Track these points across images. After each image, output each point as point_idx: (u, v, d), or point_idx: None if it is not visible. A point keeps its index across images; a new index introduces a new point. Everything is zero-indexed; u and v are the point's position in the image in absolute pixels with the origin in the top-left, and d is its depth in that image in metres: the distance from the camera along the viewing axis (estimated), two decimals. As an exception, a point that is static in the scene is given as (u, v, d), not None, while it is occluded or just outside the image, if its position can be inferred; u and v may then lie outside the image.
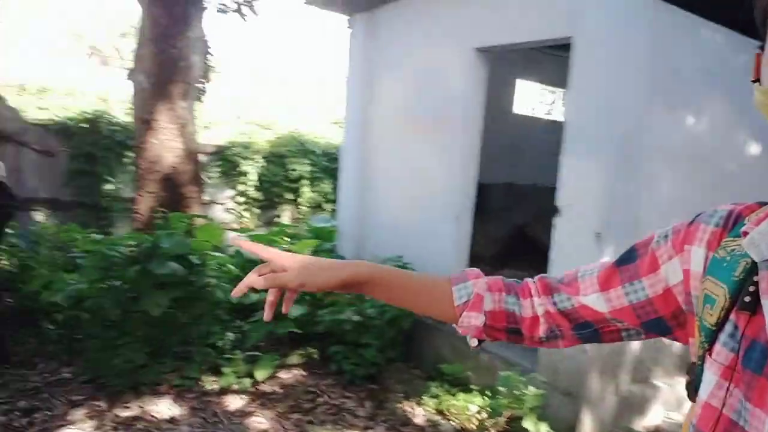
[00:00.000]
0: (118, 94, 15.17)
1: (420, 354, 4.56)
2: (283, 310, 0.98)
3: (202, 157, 8.31)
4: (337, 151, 9.84)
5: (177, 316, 4.26)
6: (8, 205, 3.96)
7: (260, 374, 4.13)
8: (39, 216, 7.20)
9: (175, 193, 5.07)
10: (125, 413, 3.55)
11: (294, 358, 4.48)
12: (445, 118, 4.54)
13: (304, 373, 4.39)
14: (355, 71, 5.45)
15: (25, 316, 4.72)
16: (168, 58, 4.90)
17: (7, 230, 5.63)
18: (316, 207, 9.84)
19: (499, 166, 6.67)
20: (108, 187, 7.56)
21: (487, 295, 0.91)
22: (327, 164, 9.76)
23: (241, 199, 9.04)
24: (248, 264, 5.23)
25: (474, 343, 0.94)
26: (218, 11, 5.96)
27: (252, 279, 0.92)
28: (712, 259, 0.69)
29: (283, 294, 0.96)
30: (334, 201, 9.90)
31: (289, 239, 6.21)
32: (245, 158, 8.92)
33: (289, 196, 9.48)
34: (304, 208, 9.61)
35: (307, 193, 9.55)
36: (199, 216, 4.80)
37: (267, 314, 0.96)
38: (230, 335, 4.42)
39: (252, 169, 8.98)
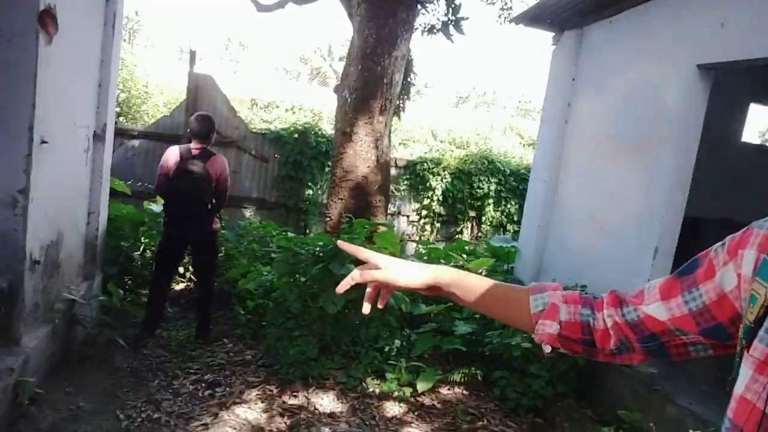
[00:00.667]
0: (328, 110, 16.63)
1: (594, 394, 4.12)
2: (379, 304, 1.07)
3: (393, 170, 8.66)
4: (526, 172, 9.59)
5: (350, 317, 4.44)
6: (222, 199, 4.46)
7: (422, 386, 4.09)
8: (248, 212, 8.12)
9: (363, 200, 5.32)
10: (292, 401, 3.75)
11: (457, 376, 4.36)
12: (652, 142, 4.07)
13: (465, 392, 4.25)
14: (555, 90, 5.21)
15: (223, 300, 5.32)
16: (372, 75, 5.18)
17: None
18: (499, 226, 9.62)
19: (717, 199, 5.83)
20: (309, 192, 8.25)
21: (562, 306, 0.93)
22: (515, 184, 9.50)
23: (425, 213, 9.20)
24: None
25: (548, 349, 0.95)
26: (425, 31, 6.15)
27: (353, 275, 1.03)
28: (762, 261, 0.70)
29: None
30: (517, 222, 9.60)
31: (465, 255, 6.13)
32: (433, 174, 9.06)
33: (473, 213, 9.41)
34: (486, 226, 9.46)
35: (490, 212, 9.39)
36: (380, 224, 4.96)
37: (365, 307, 1.06)
38: (397, 342, 4.46)
39: (439, 185, 9.09)
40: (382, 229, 4.84)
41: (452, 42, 6.03)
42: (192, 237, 4.42)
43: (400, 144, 13.77)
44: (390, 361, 4.27)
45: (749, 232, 0.75)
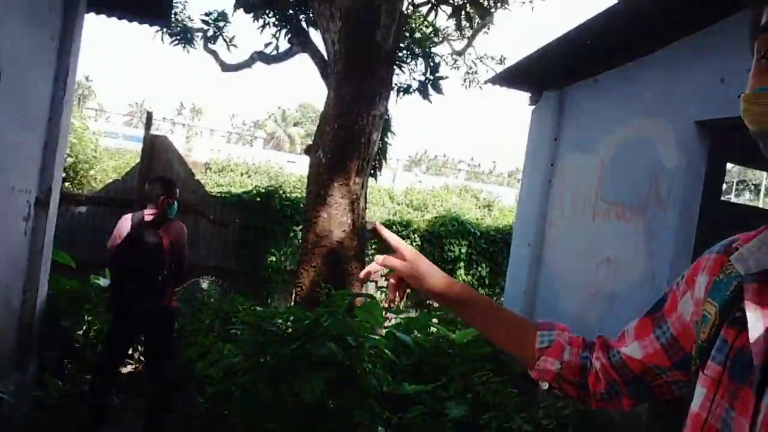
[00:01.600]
0: (285, 174, 16.33)
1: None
2: (397, 298, 1.07)
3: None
4: (496, 234, 9.40)
5: (327, 402, 3.93)
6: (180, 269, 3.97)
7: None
8: (205, 284, 7.52)
9: (338, 268, 4.90)
10: None
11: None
12: (650, 201, 3.87)
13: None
14: (536, 150, 5.06)
15: (180, 386, 4.69)
16: (349, 134, 4.90)
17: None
18: (471, 292, 9.30)
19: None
20: (272, 258, 7.74)
21: (567, 347, 0.95)
22: (485, 246, 9.28)
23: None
24: (402, 348, 4.84)
25: (545, 386, 0.96)
26: (401, 91, 5.97)
27: (376, 258, 1.03)
28: (713, 282, 0.72)
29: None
30: (490, 286, 9.31)
31: (442, 325, 5.73)
32: (403, 237, 8.74)
33: (444, 278, 9.07)
34: (457, 291, 9.12)
35: (461, 275, 9.08)
36: (363, 294, 4.53)
37: (389, 298, 1.08)
38: (381, 429, 3.95)
39: (408, 249, 8.75)
40: (360, 300, 4.40)
41: (430, 102, 5.88)
42: (143, 315, 3.86)
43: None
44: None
45: (702, 258, 0.78)
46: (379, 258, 1.03)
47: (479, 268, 9.18)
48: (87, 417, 3.80)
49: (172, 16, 6.51)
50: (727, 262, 0.71)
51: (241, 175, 15.96)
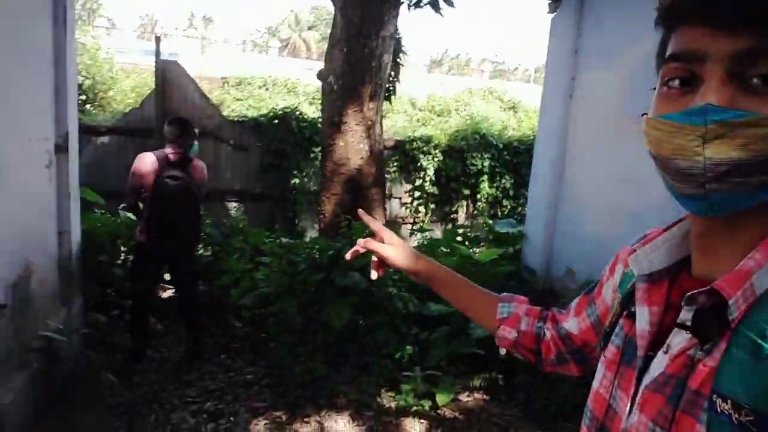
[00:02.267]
0: (303, 84, 15.97)
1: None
2: (379, 273, 1.22)
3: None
4: (520, 145, 9.24)
5: (357, 325, 4.12)
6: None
7: (441, 398, 3.79)
8: (233, 206, 7.68)
9: (358, 194, 4.93)
10: (304, 429, 3.44)
11: (476, 381, 4.08)
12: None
13: (486, 398, 3.98)
14: (555, 63, 4.82)
15: (216, 309, 4.94)
16: (359, 59, 4.73)
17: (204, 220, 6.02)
18: (494, 203, 9.30)
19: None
20: (295, 181, 7.81)
21: (524, 318, 1.08)
22: (508, 158, 9.16)
23: (418, 194, 8.83)
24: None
25: (503, 352, 1.10)
26: (412, 5, 5.68)
27: (358, 241, 1.19)
28: (623, 274, 0.83)
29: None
30: (514, 197, 9.29)
31: (468, 243, 5.81)
32: (424, 153, 8.67)
33: (467, 191, 9.06)
34: (481, 204, 9.14)
35: (485, 188, 9.06)
36: (383, 224, 4.59)
37: (372, 274, 1.22)
38: (409, 348, 4.16)
39: (430, 164, 8.70)
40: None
41: (441, 15, 5.58)
42: (180, 248, 4.02)
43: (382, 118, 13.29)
44: (404, 373, 3.96)
45: (623, 249, 0.85)
46: (361, 241, 1.18)
47: (503, 180, 9.12)
48: (130, 344, 4.09)
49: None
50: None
51: (259, 87, 15.70)
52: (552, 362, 1.04)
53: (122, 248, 5.22)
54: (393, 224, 7.86)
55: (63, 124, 3.88)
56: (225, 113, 9.48)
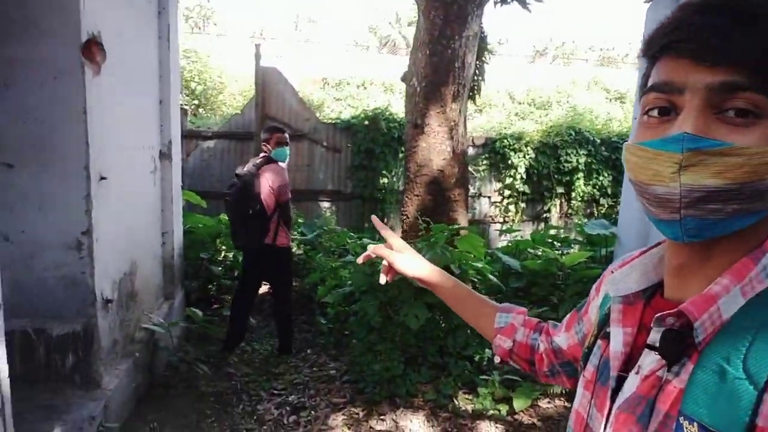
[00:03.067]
0: (399, 83, 16.11)
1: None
2: (388, 278, 1.26)
3: (470, 150, 8.16)
4: (619, 140, 8.74)
5: (435, 325, 4.15)
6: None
7: (519, 404, 3.74)
8: (325, 205, 7.97)
9: (441, 196, 4.95)
10: (380, 426, 3.53)
11: (557, 387, 3.97)
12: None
13: (567, 404, 3.86)
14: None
15: (305, 305, 5.18)
16: (442, 59, 4.74)
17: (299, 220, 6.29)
18: (591, 201, 8.88)
19: None
20: (384, 180, 7.95)
21: (520, 329, 1.11)
22: (606, 154, 8.71)
23: (508, 193, 8.64)
24: (507, 270, 4.88)
25: (497, 360, 1.15)
26: (498, 2, 5.58)
27: (369, 247, 1.25)
28: (604, 296, 0.85)
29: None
30: (611, 195, 8.83)
31: (558, 244, 5.63)
32: (515, 150, 8.46)
33: (561, 189, 8.72)
34: (576, 202, 8.76)
35: (580, 186, 8.68)
36: (461, 228, 4.57)
37: (381, 278, 1.26)
38: (488, 351, 4.12)
39: (521, 162, 8.48)
40: (463, 232, 4.45)
41: (529, 11, 5.42)
42: (254, 254, 4.27)
43: (475, 111, 13.07)
44: (482, 376, 3.94)
45: (608, 270, 0.83)
46: (371, 247, 1.24)
47: (600, 178, 8.69)
48: (226, 338, 4.40)
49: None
50: None
51: (357, 87, 16.07)
52: (545, 373, 1.07)
53: (223, 247, 5.62)
54: (478, 225, 7.77)
55: (167, 133, 4.25)
56: (324, 114, 9.85)
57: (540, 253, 5.14)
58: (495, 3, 5.24)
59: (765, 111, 0.58)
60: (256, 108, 7.64)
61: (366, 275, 4.15)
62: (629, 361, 0.71)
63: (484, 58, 5.63)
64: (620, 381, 0.70)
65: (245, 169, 4.22)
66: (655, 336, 0.65)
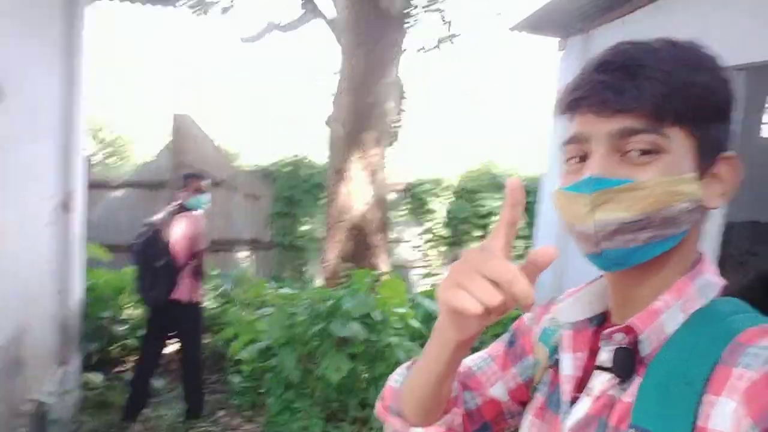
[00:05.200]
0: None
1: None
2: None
3: (390, 196, 8.23)
4: (533, 184, 9.13)
5: (356, 377, 4.01)
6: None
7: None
8: (243, 255, 7.70)
9: (362, 242, 4.90)
10: (300, 491, 3.30)
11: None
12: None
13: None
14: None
15: (217, 362, 4.87)
16: (363, 105, 4.79)
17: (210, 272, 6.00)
18: (508, 244, 9.12)
19: (742, 201, 5.42)
20: (304, 228, 7.81)
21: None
22: (521, 199, 9.05)
23: (428, 237, 8.74)
24: (430, 317, 4.85)
25: None
26: (418, 51, 5.77)
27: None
28: (542, 330, 0.86)
29: None
30: (525, 237, 9.13)
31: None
32: (434, 195, 8.62)
33: (479, 233, 8.94)
34: (494, 246, 8.98)
35: (497, 230, 8.93)
36: (383, 273, 4.53)
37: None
38: (413, 402, 4.02)
39: (440, 206, 8.64)
40: (385, 277, 4.40)
41: (446, 56, 5.63)
42: (163, 311, 3.98)
43: (396, 157, 13.27)
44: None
45: (546, 303, 0.88)
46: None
47: (515, 220, 9.01)
48: (128, 404, 4.02)
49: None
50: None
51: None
52: None
53: (124, 306, 5.23)
54: (399, 270, 7.76)
55: (68, 182, 3.96)
56: (241, 161, 9.62)
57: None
58: (417, 50, 5.40)
59: (662, 148, 0.65)
60: (170, 155, 7.35)
61: (284, 327, 3.98)
62: (581, 386, 0.73)
63: (401, 105, 5.75)
64: (574, 405, 0.72)
65: (157, 217, 3.99)
66: (604, 356, 0.70)
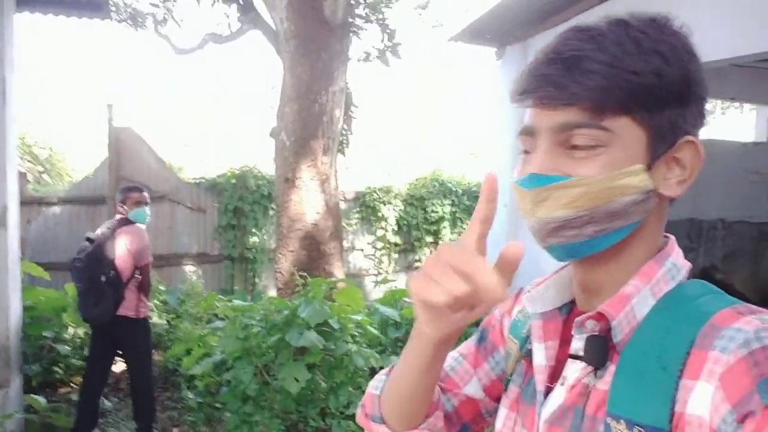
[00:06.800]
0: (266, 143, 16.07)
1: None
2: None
3: (342, 205, 8.20)
4: (479, 190, 9.32)
5: (315, 386, 3.95)
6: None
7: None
8: (190, 269, 7.49)
9: (315, 250, 4.85)
10: (262, 505, 3.21)
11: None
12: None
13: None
14: (502, 111, 4.93)
15: (169, 379, 4.70)
16: (310, 114, 4.76)
17: (160, 287, 5.81)
18: (459, 249, 9.27)
19: (679, 199, 5.69)
20: (254, 239, 7.68)
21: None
22: (468, 203, 9.22)
23: (380, 245, 8.77)
24: (387, 324, 4.85)
25: None
26: (360, 60, 5.79)
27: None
28: (512, 321, 0.85)
29: None
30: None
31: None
32: (384, 203, 8.67)
33: (429, 238, 9.05)
34: (445, 250, 9.10)
35: (447, 235, 9.06)
36: (340, 280, 4.49)
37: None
38: (373, 407, 3.99)
39: (391, 213, 8.69)
40: (341, 285, 4.37)
41: (389, 66, 5.70)
42: (107, 328, 3.81)
43: (345, 168, 13.30)
44: None
45: (517, 293, 0.86)
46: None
47: (464, 225, 9.16)
48: (76, 426, 3.82)
49: (111, 4, 6.20)
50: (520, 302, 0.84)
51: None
52: None
53: (70, 323, 4.98)
54: (353, 278, 7.74)
55: (1, 197, 3.74)
56: (186, 174, 9.38)
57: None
58: (358, 59, 5.43)
59: (604, 141, 0.64)
60: (110, 169, 7.08)
61: (238, 339, 3.88)
62: (555, 376, 0.72)
63: (351, 113, 5.76)
64: (549, 394, 0.71)
65: (98, 232, 3.82)
66: (577, 345, 0.68)
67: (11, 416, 3.38)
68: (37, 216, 7.01)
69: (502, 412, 0.80)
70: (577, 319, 0.67)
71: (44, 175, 13.24)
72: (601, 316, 0.65)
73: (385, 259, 8.79)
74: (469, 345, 0.90)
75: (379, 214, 8.61)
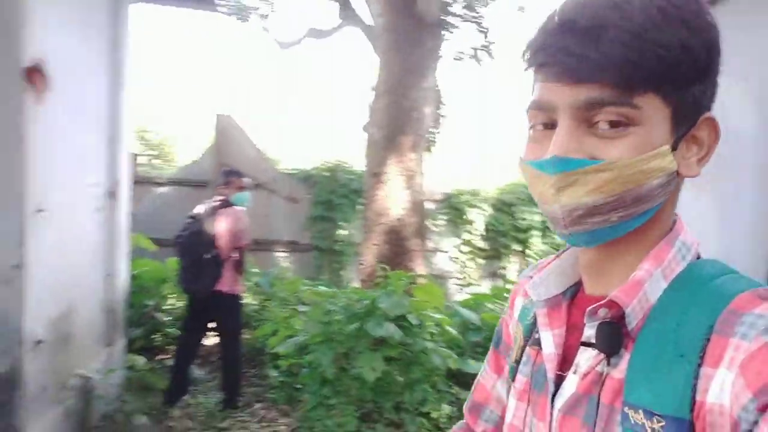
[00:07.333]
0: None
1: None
2: None
3: (429, 205, 8.22)
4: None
5: (391, 379, 3.99)
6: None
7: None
8: (281, 255, 7.80)
9: (399, 245, 4.90)
10: (332, 486, 3.29)
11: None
12: (725, 164, 3.53)
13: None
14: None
15: (255, 357, 4.93)
16: (400, 109, 4.82)
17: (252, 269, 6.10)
18: (547, 260, 8.97)
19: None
20: (342, 232, 7.87)
21: None
22: (560, 213, 8.91)
23: (466, 249, 8.67)
24: (466, 324, 4.80)
25: None
26: (455, 59, 5.80)
27: None
28: (522, 308, 0.82)
29: None
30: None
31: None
32: (472, 206, 8.57)
33: (517, 247, 8.82)
34: (532, 260, 8.86)
35: (536, 244, 8.80)
36: (420, 275, 4.51)
37: None
38: (446, 408, 3.98)
39: (478, 218, 8.57)
40: (422, 281, 4.38)
41: (481, 66, 5.65)
42: (205, 301, 4.05)
43: (435, 170, 13.30)
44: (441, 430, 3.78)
45: (520, 282, 0.82)
46: None
47: (554, 236, 8.86)
48: (169, 390, 4.11)
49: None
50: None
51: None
52: None
53: (167, 295, 5.35)
54: (437, 279, 7.73)
55: (115, 172, 4.09)
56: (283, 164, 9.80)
57: (499, 308, 5.09)
58: (454, 58, 5.43)
59: (632, 120, 0.59)
60: (213, 156, 7.54)
61: (321, 324, 4.00)
62: (564, 363, 0.69)
63: (439, 111, 5.78)
64: (559, 383, 0.68)
65: (202, 210, 4.09)
66: (589, 332, 0.65)
67: (114, 371, 3.70)
68: (146, 195, 7.59)
69: (512, 403, 0.77)
70: (589, 308, 0.63)
71: (155, 161, 14.33)
72: (613, 304, 0.62)
73: (470, 263, 8.68)
74: (489, 352, 0.91)
75: (465, 217, 8.52)
